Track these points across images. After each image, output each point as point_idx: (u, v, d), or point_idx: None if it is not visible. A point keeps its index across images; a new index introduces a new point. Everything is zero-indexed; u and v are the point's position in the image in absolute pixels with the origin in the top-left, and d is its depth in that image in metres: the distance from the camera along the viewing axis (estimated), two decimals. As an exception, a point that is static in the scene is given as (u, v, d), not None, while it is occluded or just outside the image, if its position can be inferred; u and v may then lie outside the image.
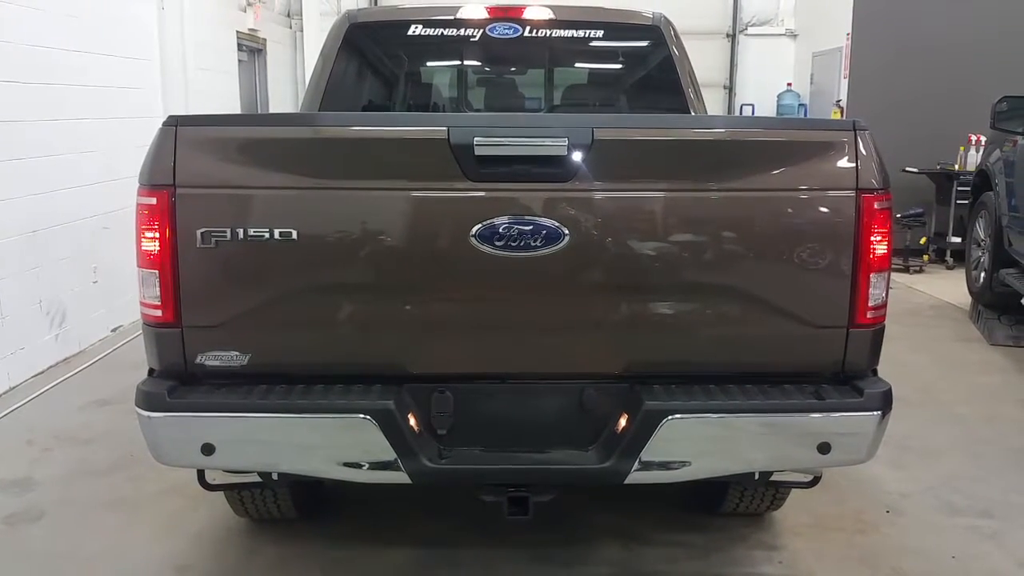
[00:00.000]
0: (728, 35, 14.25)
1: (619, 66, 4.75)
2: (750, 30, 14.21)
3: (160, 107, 7.19)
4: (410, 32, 4.29)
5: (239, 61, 9.49)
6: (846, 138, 2.42)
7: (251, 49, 10.13)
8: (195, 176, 2.37)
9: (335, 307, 2.46)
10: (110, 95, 6.36)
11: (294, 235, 2.36)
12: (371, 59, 4.54)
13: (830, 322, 2.47)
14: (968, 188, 7.83)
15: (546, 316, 2.47)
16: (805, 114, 12.93)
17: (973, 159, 8.72)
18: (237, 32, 9.38)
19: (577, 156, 2.37)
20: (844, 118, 10.01)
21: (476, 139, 2.33)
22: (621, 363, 2.50)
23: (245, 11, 9.50)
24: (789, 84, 13.56)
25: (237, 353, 2.44)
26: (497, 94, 4.87)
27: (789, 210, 2.44)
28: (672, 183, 2.44)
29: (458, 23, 4.27)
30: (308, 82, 4.37)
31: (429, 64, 4.91)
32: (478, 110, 4.76)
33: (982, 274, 6.98)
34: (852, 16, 10.10)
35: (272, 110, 10.38)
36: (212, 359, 2.44)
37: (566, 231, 2.37)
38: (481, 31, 4.26)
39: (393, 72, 4.70)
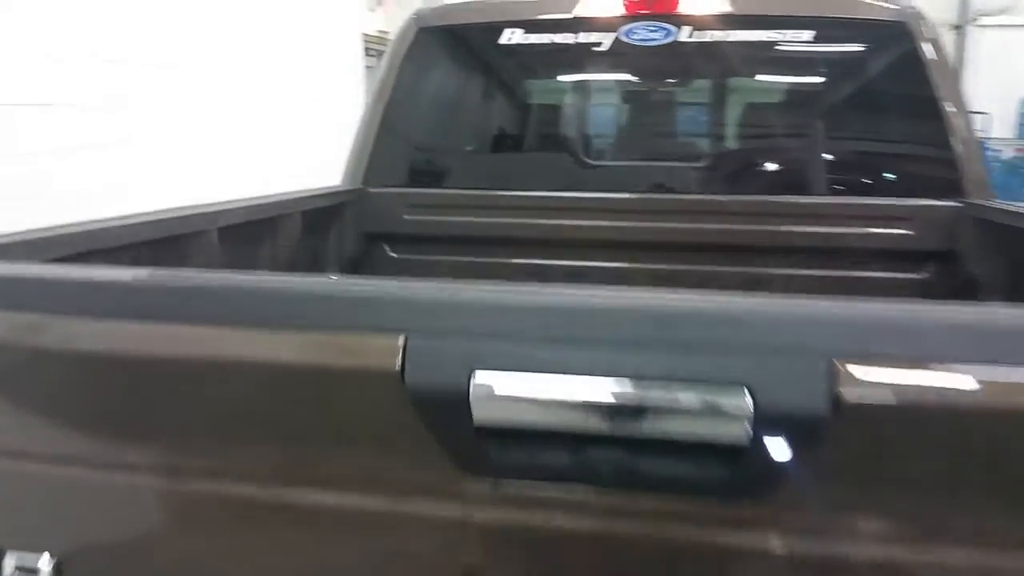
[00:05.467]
0: (955, 26, 11.87)
1: (840, 87, 3.02)
2: (983, 20, 11.79)
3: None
4: (503, 39, 2.81)
5: (367, 68, 8.36)
6: None
7: (381, 53, 9.02)
8: None
9: None
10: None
11: None
12: (445, 77, 3.09)
13: None
14: None
15: None
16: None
17: None
18: (364, 35, 8.26)
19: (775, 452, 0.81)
20: None
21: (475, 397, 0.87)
22: None
23: (374, 11, 8.38)
24: (1034, 86, 11.04)
25: None
26: (635, 135, 3.25)
27: None
28: None
29: (576, 24, 2.74)
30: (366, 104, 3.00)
31: (531, 86, 3.34)
32: (602, 163, 3.13)
33: None
34: None
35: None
36: None
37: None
38: (612, 36, 2.71)
39: (476, 97, 3.19)
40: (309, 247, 2.61)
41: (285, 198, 2.48)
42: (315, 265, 2.65)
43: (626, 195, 2.72)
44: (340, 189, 2.79)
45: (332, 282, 1.02)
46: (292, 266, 2.45)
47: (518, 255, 2.78)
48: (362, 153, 2.88)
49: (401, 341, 0.86)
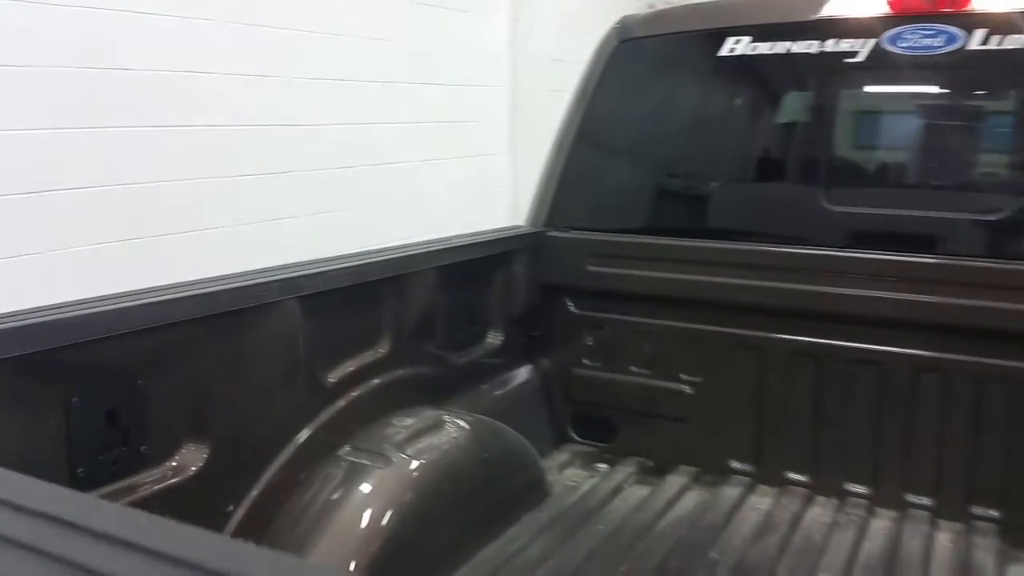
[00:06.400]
0: None
1: None
2: None
3: (506, 142, 5.98)
4: (724, 50, 2.22)
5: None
6: None
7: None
8: None
9: None
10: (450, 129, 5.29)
11: None
12: (650, 99, 2.53)
13: None
14: None
15: None
16: None
17: None
18: (620, 42, 7.79)
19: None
20: None
21: None
22: None
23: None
24: None
25: None
26: (899, 174, 2.40)
27: None
28: None
29: (822, 29, 2.09)
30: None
31: (758, 109, 2.58)
32: (851, 209, 2.28)
33: None
34: None
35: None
36: None
37: None
38: (872, 43, 2.02)
39: (687, 124, 2.55)
40: (469, 302, 2.20)
41: (442, 246, 2.09)
42: (473, 323, 2.23)
43: (882, 255, 2.01)
44: (512, 233, 2.35)
45: None
46: (433, 324, 2.04)
47: (729, 323, 2.17)
48: (547, 190, 2.42)
49: None
